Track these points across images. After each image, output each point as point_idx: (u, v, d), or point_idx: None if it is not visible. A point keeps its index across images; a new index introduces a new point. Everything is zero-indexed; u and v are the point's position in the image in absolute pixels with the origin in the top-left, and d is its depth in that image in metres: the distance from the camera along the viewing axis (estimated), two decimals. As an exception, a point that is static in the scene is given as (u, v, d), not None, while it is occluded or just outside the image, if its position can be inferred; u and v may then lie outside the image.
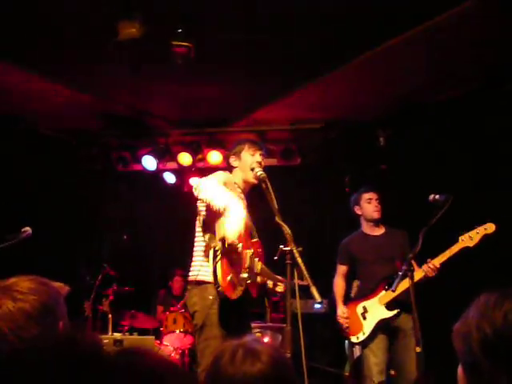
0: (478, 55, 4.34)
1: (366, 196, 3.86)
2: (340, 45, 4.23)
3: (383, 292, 3.64)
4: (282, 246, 2.62)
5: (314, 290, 2.33)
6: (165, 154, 5.98)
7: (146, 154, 5.93)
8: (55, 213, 5.68)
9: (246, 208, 2.92)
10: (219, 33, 3.95)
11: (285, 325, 5.15)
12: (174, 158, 5.99)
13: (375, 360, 3.60)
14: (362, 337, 3.67)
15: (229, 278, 2.58)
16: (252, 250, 2.81)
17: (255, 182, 2.90)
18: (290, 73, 4.69)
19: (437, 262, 3.42)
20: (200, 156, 5.91)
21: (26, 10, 3.68)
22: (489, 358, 0.97)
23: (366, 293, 3.74)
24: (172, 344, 4.94)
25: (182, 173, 6.20)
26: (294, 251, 2.47)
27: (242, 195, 2.98)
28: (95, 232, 6.38)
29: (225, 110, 5.55)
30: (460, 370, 1.06)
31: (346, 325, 3.74)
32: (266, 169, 2.95)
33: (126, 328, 5.23)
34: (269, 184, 2.74)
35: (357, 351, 4.74)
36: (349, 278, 4.04)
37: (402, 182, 5.06)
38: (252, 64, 4.54)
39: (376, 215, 3.82)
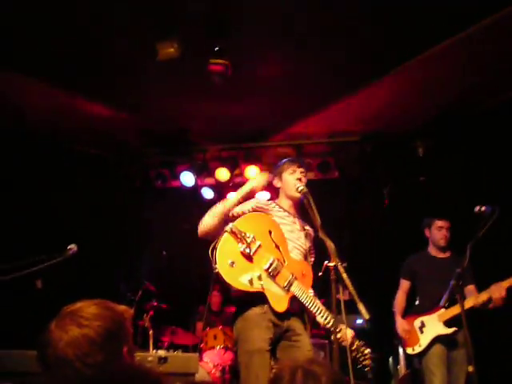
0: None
1: (439, 223, 4.05)
2: (377, 57, 4.20)
3: (443, 310, 3.78)
4: (326, 262, 2.59)
5: (361, 307, 2.28)
6: (203, 170, 6.04)
7: (184, 171, 6.00)
8: (96, 230, 5.79)
9: (298, 226, 3.01)
10: (256, 46, 4.00)
11: (326, 341, 5.09)
12: (211, 174, 6.03)
13: (435, 379, 3.69)
14: (418, 349, 3.83)
15: (229, 261, 2.63)
16: (280, 261, 2.79)
17: (299, 196, 2.92)
18: (326, 86, 4.68)
19: (504, 284, 3.50)
20: (237, 171, 5.94)
21: (69, 30, 3.81)
22: None
23: (425, 309, 3.90)
24: (212, 361, 4.91)
25: (220, 188, 6.22)
26: (339, 267, 2.43)
27: (289, 215, 3.02)
28: (135, 248, 6.46)
29: (262, 125, 5.57)
30: None
31: (406, 338, 3.92)
32: (306, 184, 2.97)
33: (166, 344, 5.24)
34: (311, 199, 2.73)
35: (402, 369, 4.61)
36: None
37: (442, 194, 4.93)
38: (289, 78, 4.56)
39: (442, 243, 4.01)
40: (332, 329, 2.71)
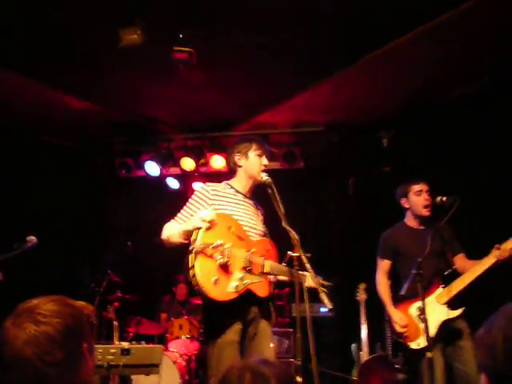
0: (480, 55, 4.32)
1: (416, 187, 3.46)
2: (342, 47, 4.22)
3: (440, 289, 3.26)
4: (289, 252, 2.60)
5: (324, 297, 2.29)
6: (168, 160, 5.97)
7: (148, 160, 5.91)
8: (59, 220, 5.66)
9: (252, 208, 2.97)
10: (221, 36, 3.96)
11: (291, 329, 5.11)
12: (176, 164, 5.97)
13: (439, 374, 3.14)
14: (423, 343, 3.15)
15: (213, 279, 2.55)
16: (250, 251, 2.75)
17: (261, 180, 2.88)
18: (292, 76, 4.68)
19: (508, 245, 3.11)
20: (203, 160, 5.89)
21: (35, 23, 3.69)
22: None
23: (416, 292, 3.17)
24: (178, 350, 4.91)
25: (186, 178, 6.17)
26: (303, 257, 2.44)
27: (244, 198, 2.96)
28: (99, 239, 6.36)
29: (227, 114, 5.53)
30: (484, 378, 1.02)
31: (406, 333, 3.28)
32: (269, 172, 2.94)
33: (131, 335, 5.20)
34: (275, 189, 2.71)
35: (364, 355, 4.71)
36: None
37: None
38: (254, 67, 4.53)
39: (426, 211, 3.41)
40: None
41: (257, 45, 4.17)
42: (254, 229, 2.91)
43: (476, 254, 3.35)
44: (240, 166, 2.97)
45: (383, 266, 3.58)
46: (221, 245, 2.59)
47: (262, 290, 2.75)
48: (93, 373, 1.29)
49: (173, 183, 6.21)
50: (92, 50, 4.13)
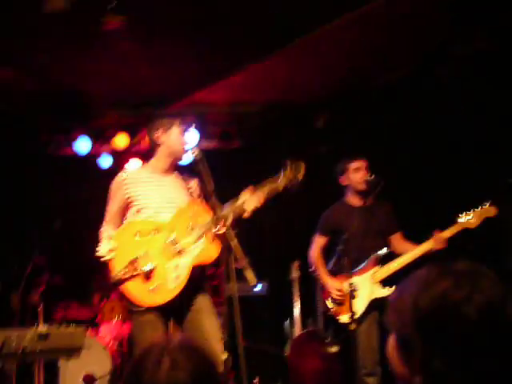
0: (410, 40, 4.46)
1: (354, 165, 3.54)
2: (280, 27, 4.20)
3: (376, 268, 3.39)
4: (214, 229, 2.60)
5: (248, 272, 2.29)
6: (99, 137, 5.74)
7: (79, 137, 5.65)
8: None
9: (172, 183, 2.91)
10: (157, 8, 3.81)
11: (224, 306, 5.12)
12: (109, 141, 5.75)
13: (370, 346, 3.28)
14: (353, 317, 3.27)
15: (151, 288, 2.58)
16: (171, 235, 2.73)
17: (182, 157, 2.90)
18: (229, 54, 4.61)
19: (445, 234, 3.29)
20: (137, 138, 5.72)
21: None
22: (422, 335, 0.92)
23: (353, 268, 3.37)
24: (109, 334, 4.78)
25: (119, 156, 5.96)
26: (229, 233, 2.42)
27: (161, 177, 2.92)
28: (24, 220, 6.03)
29: (163, 91, 5.38)
30: (392, 340, 1.02)
31: (341, 298, 3.36)
32: (204, 152, 2.90)
33: (59, 320, 5.00)
34: (205, 165, 2.68)
35: (297, 331, 4.82)
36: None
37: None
38: (191, 43, 4.42)
39: (363, 186, 3.49)
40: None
41: (193, 20, 4.06)
42: (172, 203, 2.83)
43: (417, 236, 3.49)
44: (161, 143, 2.90)
45: (320, 242, 3.65)
46: (134, 260, 2.56)
47: (209, 255, 2.69)
48: None
49: (105, 161, 5.99)
50: (16, 15, 3.84)
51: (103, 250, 2.62)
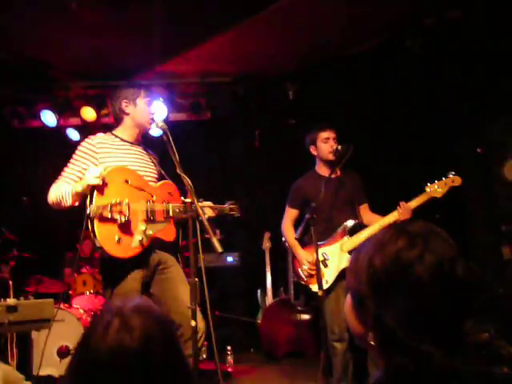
0: (379, 11, 4.46)
1: (323, 135, 3.55)
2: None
3: (345, 238, 3.43)
4: (182, 198, 2.62)
5: (214, 241, 2.30)
6: (66, 109, 5.59)
7: (44, 109, 5.50)
8: None
9: (143, 154, 2.91)
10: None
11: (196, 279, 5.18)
12: (76, 113, 5.61)
13: (338, 314, 3.27)
14: (324, 285, 3.30)
15: (116, 237, 2.54)
16: (151, 200, 2.73)
17: (149, 127, 2.87)
18: (198, 24, 4.52)
19: (411, 205, 3.35)
20: (105, 111, 5.60)
21: None
22: (375, 294, 0.96)
23: (324, 238, 3.43)
24: (82, 306, 4.78)
25: (87, 128, 5.84)
26: (196, 203, 2.44)
27: (132, 146, 2.89)
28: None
29: (130, 61, 5.25)
30: (348, 298, 1.06)
31: (313, 272, 3.36)
32: (174, 123, 2.90)
33: (31, 294, 4.97)
34: (170, 135, 2.66)
35: (269, 300, 4.93)
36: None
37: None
38: (159, 13, 4.30)
39: (331, 156, 3.51)
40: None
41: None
42: (149, 174, 2.87)
43: (385, 207, 3.56)
44: (127, 114, 2.86)
45: (291, 214, 3.66)
46: (118, 203, 2.54)
47: (168, 235, 2.76)
48: None
49: (73, 134, 5.86)
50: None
51: (93, 173, 2.53)
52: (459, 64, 4.54)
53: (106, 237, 2.53)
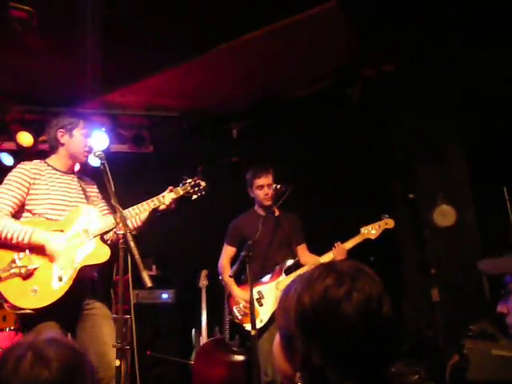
0: (328, 57, 4.67)
1: (258, 182, 3.63)
2: (199, 33, 4.20)
3: (282, 277, 3.45)
4: (115, 229, 2.55)
5: (144, 275, 2.24)
6: (2, 133, 5.37)
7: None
8: None
9: (73, 183, 2.84)
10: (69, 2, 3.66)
11: (128, 316, 4.99)
12: (12, 138, 5.40)
13: (272, 354, 3.30)
14: (259, 324, 3.30)
15: (31, 289, 2.47)
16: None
17: (84, 160, 2.84)
18: (147, 57, 4.53)
19: (346, 246, 3.43)
20: (43, 137, 5.41)
21: None
22: (303, 331, 0.95)
23: (260, 277, 3.47)
24: (1, 344, 4.45)
25: (22, 154, 5.60)
26: (127, 235, 2.36)
27: (63, 175, 2.82)
28: None
29: (74, 89, 5.14)
30: (277, 338, 1.04)
31: (246, 310, 3.35)
32: (116, 154, 2.85)
33: None
34: (107, 166, 2.61)
35: (203, 339, 4.79)
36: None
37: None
38: (108, 41, 4.27)
39: (266, 203, 3.59)
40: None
41: (111, 18, 3.94)
42: (74, 203, 2.77)
43: (322, 247, 3.62)
44: (62, 144, 2.79)
45: (228, 251, 3.70)
46: (12, 261, 2.46)
47: (99, 256, 2.61)
48: None
49: (7, 159, 5.61)
50: None
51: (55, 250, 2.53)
52: (393, 114, 4.81)
53: (17, 295, 2.43)
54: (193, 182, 3.02)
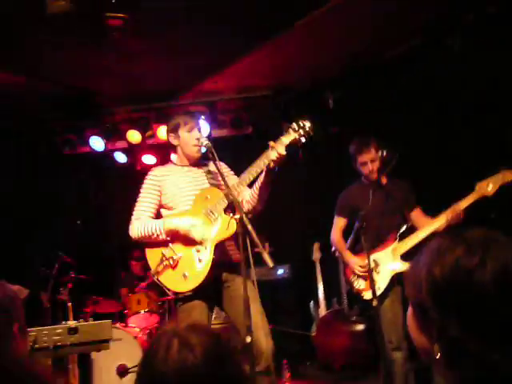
0: (417, 11, 4.37)
1: (361, 159, 3.52)
2: (280, 9, 4.15)
3: (395, 243, 3.38)
4: (231, 215, 2.63)
5: (265, 255, 2.31)
6: (113, 133, 5.80)
7: (92, 135, 5.72)
8: (3, 205, 5.43)
9: (200, 172, 3.05)
10: (157, 1, 3.80)
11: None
12: (123, 137, 5.80)
13: (394, 321, 3.24)
14: (378, 292, 3.20)
15: (182, 275, 2.80)
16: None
17: (199, 155, 3.02)
18: (234, 41, 4.58)
19: (461, 205, 3.23)
20: (150, 132, 5.76)
21: None
22: (437, 303, 0.94)
23: (374, 246, 3.37)
24: (138, 325, 4.88)
25: (133, 151, 6.02)
26: (244, 218, 2.43)
27: (190, 168, 3.06)
28: (47, 220, 6.15)
29: (171, 83, 5.39)
30: (410, 311, 1.04)
31: (365, 274, 3.33)
32: (216, 140, 2.97)
33: (89, 315, 5.11)
34: (215, 154, 2.72)
35: (322, 311, 4.86)
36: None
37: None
38: (195, 34, 4.40)
39: (372, 178, 3.50)
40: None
41: (196, 10, 4.03)
42: (201, 189, 2.99)
43: (434, 208, 3.45)
44: (176, 146, 3.06)
45: (339, 223, 3.66)
46: (162, 256, 2.82)
47: (227, 229, 2.76)
48: (25, 354, 1.27)
49: (120, 157, 6.06)
50: (19, 17, 3.86)
51: (198, 233, 2.83)
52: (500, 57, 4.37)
53: (171, 281, 2.81)
54: (296, 126, 2.83)
